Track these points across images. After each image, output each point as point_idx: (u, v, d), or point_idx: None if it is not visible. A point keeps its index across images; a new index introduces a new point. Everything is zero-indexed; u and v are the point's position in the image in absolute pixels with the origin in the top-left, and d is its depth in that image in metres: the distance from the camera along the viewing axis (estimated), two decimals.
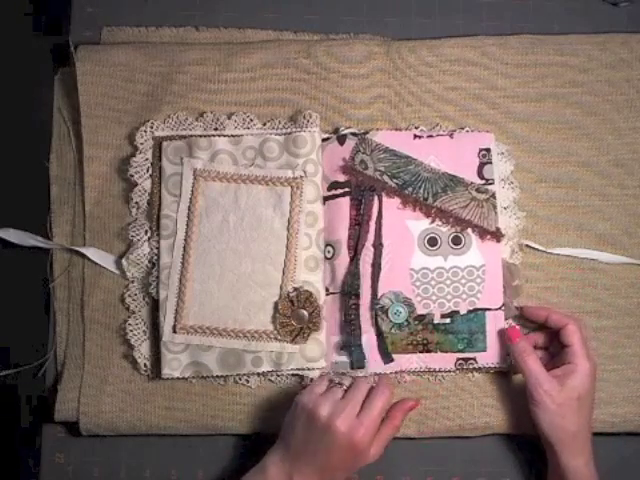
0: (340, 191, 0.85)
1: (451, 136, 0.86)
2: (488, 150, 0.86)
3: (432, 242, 0.85)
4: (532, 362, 0.80)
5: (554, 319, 0.83)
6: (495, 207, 0.84)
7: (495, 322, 0.84)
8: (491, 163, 0.85)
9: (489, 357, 0.84)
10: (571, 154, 0.89)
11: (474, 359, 0.84)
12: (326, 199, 0.86)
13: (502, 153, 0.87)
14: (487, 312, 0.84)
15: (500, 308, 0.84)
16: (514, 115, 0.88)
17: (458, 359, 0.84)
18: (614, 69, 0.89)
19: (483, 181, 0.85)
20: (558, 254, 0.87)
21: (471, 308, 0.84)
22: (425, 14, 0.92)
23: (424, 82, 0.88)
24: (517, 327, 0.83)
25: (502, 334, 0.84)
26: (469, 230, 0.84)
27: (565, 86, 0.89)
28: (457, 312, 0.84)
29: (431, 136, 0.86)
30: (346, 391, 0.79)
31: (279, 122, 0.87)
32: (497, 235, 0.84)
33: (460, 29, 0.91)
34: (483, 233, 0.84)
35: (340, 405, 0.77)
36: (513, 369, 0.85)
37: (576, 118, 0.89)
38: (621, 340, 0.87)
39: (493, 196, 0.85)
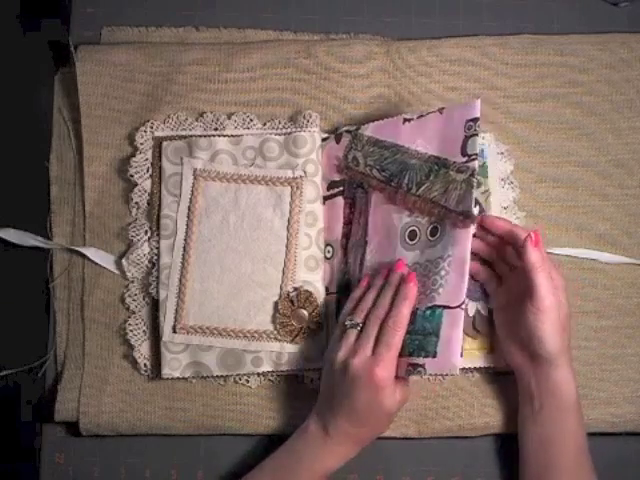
0: (336, 190, 0.85)
1: (440, 112, 0.80)
2: (475, 120, 0.77)
3: (412, 236, 0.81)
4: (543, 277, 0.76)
5: (513, 232, 0.78)
6: (472, 186, 0.76)
7: (452, 324, 0.75)
8: (477, 135, 0.77)
9: (438, 365, 0.74)
10: (571, 154, 0.89)
11: (422, 366, 0.75)
12: (325, 199, 0.86)
13: (502, 153, 0.87)
14: (445, 310, 0.75)
15: (459, 306, 0.75)
16: (514, 115, 0.88)
17: (409, 364, 0.76)
18: (614, 69, 0.89)
19: (465, 158, 0.77)
20: (558, 254, 0.87)
21: (430, 304, 0.76)
22: (425, 14, 0.92)
23: (424, 82, 0.88)
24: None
25: (456, 339, 0.75)
26: (446, 220, 0.79)
27: (565, 86, 0.89)
28: (418, 309, 0.77)
29: (422, 116, 0.81)
30: (361, 330, 0.78)
31: (279, 122, 0.87)
32: (465, 217, 0.76)
33: (460, 29, 0.91)
34: (455, 219, 0.77)
35: (354, 345, 0.76)
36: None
37: (576, 118, 0.89)
38: (621, 340, 0.87)
39: (472, 174, 0.76)
